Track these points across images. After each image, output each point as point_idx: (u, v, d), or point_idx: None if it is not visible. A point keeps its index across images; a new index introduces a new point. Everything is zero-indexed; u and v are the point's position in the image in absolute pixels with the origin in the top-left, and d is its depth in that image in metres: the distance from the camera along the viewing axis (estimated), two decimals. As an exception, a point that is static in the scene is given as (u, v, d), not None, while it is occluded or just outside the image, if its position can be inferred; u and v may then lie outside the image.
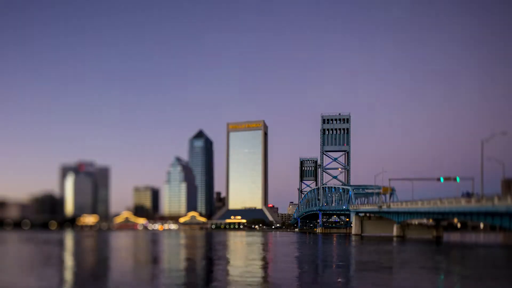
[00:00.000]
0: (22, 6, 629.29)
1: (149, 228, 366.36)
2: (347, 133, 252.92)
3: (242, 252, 71.17)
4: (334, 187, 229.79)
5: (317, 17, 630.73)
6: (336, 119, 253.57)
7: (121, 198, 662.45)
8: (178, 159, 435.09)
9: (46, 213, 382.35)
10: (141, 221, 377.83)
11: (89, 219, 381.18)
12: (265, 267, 46.42)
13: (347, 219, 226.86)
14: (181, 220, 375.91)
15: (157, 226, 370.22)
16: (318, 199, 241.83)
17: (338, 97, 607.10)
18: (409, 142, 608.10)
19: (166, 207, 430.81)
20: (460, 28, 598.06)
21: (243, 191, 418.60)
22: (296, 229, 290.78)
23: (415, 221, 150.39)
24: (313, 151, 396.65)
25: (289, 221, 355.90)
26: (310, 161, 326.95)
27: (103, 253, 70.88)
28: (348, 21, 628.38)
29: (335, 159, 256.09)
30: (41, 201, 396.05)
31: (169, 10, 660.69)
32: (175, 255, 65.55)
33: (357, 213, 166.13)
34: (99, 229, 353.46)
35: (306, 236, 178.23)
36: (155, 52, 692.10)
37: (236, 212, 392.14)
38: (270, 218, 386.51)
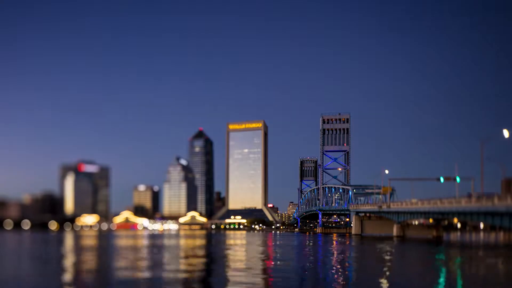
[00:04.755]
0: (23, 6, 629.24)
1: (149, 228, 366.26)
2: (347, 133, 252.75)
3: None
4: (334, 187, 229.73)
5: (317, 17, 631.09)
6: (336, 119, 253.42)
7: (121, 198, 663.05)
8: (178, 159, 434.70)
9: (46, 213, 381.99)
10: (141, 221, 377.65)
11: (89, 219, 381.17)
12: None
13: (347, 219, 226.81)
14: (181, 220, 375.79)
15: (158, 226, 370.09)
16: (318, 199, 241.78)
17: (338, 97, 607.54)
18: (409, 142, 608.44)
19: (166, 207, 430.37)
20: (460, 28, 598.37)
21: (243, 191, 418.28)
22: (296, 229, 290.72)
23: (415, 221, 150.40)
24: (313, 151, 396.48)
25: (289, 221, 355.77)
26: (310, 161, 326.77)
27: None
28: (348, 21, 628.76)
29: (335, 159, 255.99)
30: (41, 201, 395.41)
31: (169, 10, 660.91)
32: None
33: (357, 213, 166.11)
34: (99, 229, 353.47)
35: (306, 236, 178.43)
36: (155, 51, 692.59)
37: (236, 212, 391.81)
38: (270, 218, 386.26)
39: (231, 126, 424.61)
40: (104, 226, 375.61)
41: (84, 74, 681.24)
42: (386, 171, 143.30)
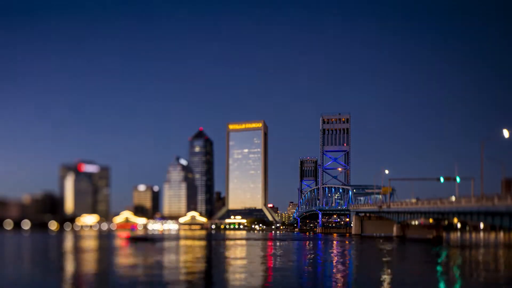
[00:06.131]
0: (24, 8, 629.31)
1: (149, 228, 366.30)
2: (347, 133, 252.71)
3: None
4: (334, 187, 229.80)
5: (316, 17, 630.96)
6: (336, 119, 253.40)
7: (121, 198, 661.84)
8: (178, 159, 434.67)
9: (46, 213, 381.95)
10: (141, 221, 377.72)
11: (89, 219, 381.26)
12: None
13: (347, 219, 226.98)
14: (181, 220, 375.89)
15: (158, 226, 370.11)
16: (318, 199, 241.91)
17: (338, 97, 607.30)
18: (409, 142, 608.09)
19: (166, 207, 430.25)
20: (460, 28, 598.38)
21: (243, 191, 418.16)
22: (296, 229, 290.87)
23: (415, 221, 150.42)
24: (313, 151, 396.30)
25: (289, 221, 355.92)
26: (310, 161, 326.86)
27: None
28: (348, 21, 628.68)
29: (335, 159, 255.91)
30: (41, 201, 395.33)
31: (168, 10, 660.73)
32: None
33: (357, 213, 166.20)
34: (99, 229, 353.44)
35: (306, 236, 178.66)
36: (154, 52, 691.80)
37: (236, 212, 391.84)
38: (270, 218, 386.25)
39: (231, 126, 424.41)
40: (104, 226, 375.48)
41: (84, 74, 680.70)
42: (386, 171, 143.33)
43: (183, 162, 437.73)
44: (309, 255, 65.83)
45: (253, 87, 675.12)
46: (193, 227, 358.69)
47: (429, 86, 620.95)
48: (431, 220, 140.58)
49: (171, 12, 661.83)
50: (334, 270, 43.07)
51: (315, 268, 46.87)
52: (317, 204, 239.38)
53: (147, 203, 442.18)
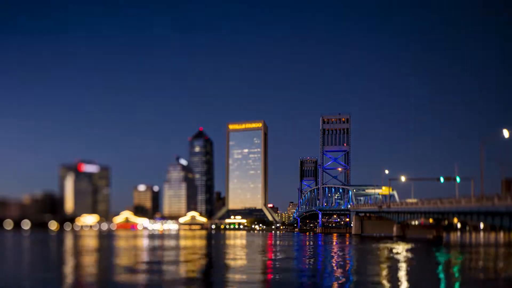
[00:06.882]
0: (25, 10, 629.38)
1: (149, 228, 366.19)
2: (347, 133, 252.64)
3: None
4: (334, 187, 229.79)
5: (316, 17, 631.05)
6: (336, 119, 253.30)
7: (121, 198, 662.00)
8: (178, 159, 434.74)
9: (46, 213, 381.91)
10: (141, 221, 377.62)
11: (89, 219, 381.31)
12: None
13: (347, 219, 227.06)
14: (181, 220, 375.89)
15: (158, 226, 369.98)
16: (318, 199, 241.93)
17: (338, 97, 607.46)
18: (409, 142, 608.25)
19: (166, 207, 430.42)
20: (460, 28, 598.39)
21: (243, 191, 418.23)
22: (296, 229, 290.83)
23: (415, 221, 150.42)
24: (313, 151, 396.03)
25: (289, 221, 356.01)
26: (310, 161, 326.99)
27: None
28: (349, 21, 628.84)
29: (335, 159, 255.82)
30: (41, 201, 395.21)
31: (168, 10, 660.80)
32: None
33: (357, 213, 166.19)
34: (99, 229, 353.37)
35: (306, 236, 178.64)
36: (154, 51, 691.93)
37: (236, 212, 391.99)
38: (270, 218, 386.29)
39: (231, 126, 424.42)
40: (104, 226, 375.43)
41: (84, 74, 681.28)
42: (386, 171, 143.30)
43: (183, 162, 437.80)
44: (308, 256, 65.66)
45: (253, 87, 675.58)
46: (193, 227, 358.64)
47: (429, 86, 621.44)
48: (431, 220, 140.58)
49: (171, 10, 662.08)
50: (333, 270, 42.95)
51: (314, 268, 46.76)
52: (317, 204, 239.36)
53: (147, 203, 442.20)
